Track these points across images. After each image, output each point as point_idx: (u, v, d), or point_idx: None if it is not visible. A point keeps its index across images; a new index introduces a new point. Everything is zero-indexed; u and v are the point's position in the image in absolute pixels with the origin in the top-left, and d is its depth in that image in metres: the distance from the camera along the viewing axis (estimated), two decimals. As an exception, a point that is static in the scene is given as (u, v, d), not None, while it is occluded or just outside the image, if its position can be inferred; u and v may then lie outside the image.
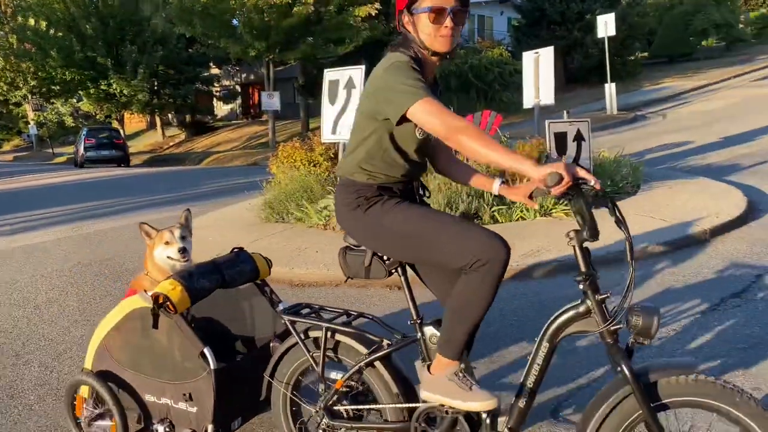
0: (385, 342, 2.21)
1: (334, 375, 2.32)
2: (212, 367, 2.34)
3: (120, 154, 25.69)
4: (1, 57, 32.16)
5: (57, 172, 20.72)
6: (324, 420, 2.30)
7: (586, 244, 1.90)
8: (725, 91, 19.69)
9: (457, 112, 2.02)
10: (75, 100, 34.70)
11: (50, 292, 5.39)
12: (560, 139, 6.71)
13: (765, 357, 3.24)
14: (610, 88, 17.72)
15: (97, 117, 33.53)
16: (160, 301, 2.37)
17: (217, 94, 38.38)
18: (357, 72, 7.19)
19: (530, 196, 2.15)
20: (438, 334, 2.12)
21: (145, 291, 2.53)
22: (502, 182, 2.28)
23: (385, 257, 2.20)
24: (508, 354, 3.53)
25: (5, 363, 3.90)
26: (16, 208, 10.35)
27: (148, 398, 2.53)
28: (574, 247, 1.91)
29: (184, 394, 2.42)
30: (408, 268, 2.26)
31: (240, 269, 2.69)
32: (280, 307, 2.71)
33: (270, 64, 23.32)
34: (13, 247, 7.27)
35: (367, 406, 2.29)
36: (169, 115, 38.68)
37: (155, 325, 2.43)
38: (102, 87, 28.90)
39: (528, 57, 8.27)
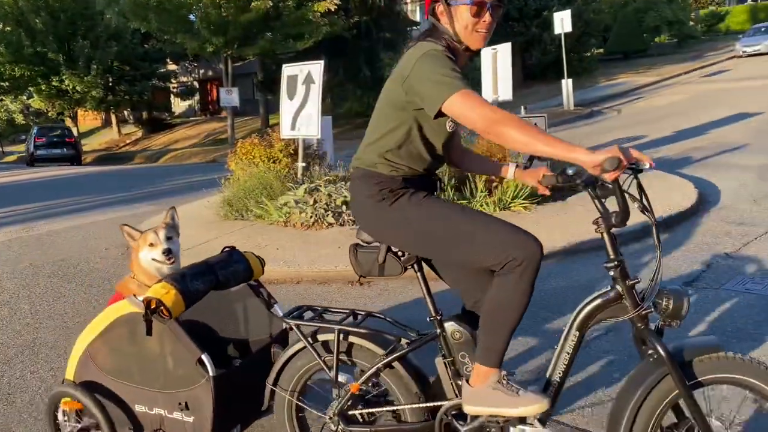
0: (404, 341, 2.13)
1: (342, 379, 2.22)
2: (211, 374, 2.18)
3: (72, 153, 25.05)
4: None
5: (7, 171, 20.04)
6: (340, 426, 2.18)
7: (613, 230, 1.90)
8: (677, 87, 20.29)
9: None
10: (25, 97, 33.75)
11: (1, 295, 5.21)
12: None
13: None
14: (567, 84, 18.02)
15: (50, 114, 32.69)
16: (153, 306, 2.19)
17: (175, 90, 37.70)
18: (316, 67, 7.14)
19: (539, 182, 2.16)
20: (460, 329, 2.06)
21: (135, 296, 2.36)
22: (516, 167, 2.28)
23: (400, 253, 2.10)
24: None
25: (-48, 369, 3.76)
26: (-37, 209, 9.98)
27: (139, 408, 2.36)
28: (602, 233, 1.90)
29: (180, 404, 2.27)
30: (423, 264, 2.17)
31: (234, 269, 2.54)
32: (277, 309, 2.59)
33: (228, 59, 22.99)
34: (-40, 249, 7.01)
35: (386, 408, 2.18)
36: (125, 112, 37.90)
37: (149, 332, 2.25)
38: (54, 83, 28.20)
39: (486, 53, 8.35)
